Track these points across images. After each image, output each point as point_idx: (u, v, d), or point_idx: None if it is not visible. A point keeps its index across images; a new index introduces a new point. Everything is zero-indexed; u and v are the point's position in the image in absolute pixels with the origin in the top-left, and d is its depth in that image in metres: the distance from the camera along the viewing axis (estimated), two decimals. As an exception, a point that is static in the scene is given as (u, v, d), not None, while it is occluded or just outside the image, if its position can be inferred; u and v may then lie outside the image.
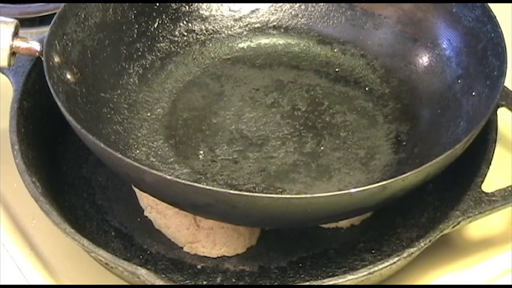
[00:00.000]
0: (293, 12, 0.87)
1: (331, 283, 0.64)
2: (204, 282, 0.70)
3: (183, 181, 0.61)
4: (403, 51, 0.82)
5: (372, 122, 0.78)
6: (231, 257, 0.72)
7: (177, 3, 0.84)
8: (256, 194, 0.65)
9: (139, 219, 0.75)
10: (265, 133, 0.77)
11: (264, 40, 0.86)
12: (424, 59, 0.81)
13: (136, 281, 0.64)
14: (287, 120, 0.78)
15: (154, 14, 0.83)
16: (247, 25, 0.86)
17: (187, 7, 0.85)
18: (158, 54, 0.82)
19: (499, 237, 0.75)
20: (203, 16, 0.85)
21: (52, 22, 0.73)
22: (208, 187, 0.62)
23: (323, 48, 0.85)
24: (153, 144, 0.76)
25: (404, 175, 0.62)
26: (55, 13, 0.75)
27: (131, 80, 0.79)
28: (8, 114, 0.74)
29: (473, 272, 0.73)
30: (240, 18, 0.86)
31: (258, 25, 0.86)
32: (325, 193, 0.62)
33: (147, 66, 0.81)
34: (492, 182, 0.73)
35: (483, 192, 0.70)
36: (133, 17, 0.81)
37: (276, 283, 0.70)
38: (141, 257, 0.72)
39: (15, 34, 0.73)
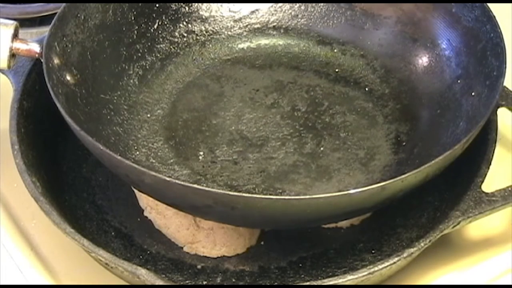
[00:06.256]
0: (293, 13, 0.87)
1: (331, 283, 0.64)
2: (204, 282, 0.70)
3: (182, 183, 0.61)
4: (403, 51, 0.82)
5: (372, 122, 0.78)
6: (231, 257, 0.72)
7: (177, 4, 0.84)
8: (255, 196, 0.65)
9: (139, 219, 0.75)
10: (265, 133, 0.77)
11: (264, 41, 0.86)
12: (423, 59, 0.81)
13: (136, 281, 0.64)
14: (287, 121, 0.78)
15: (154, 15, 0.83)
16: (247, 25, 0.86)
17: (187, 8, 0.85)
18: (158, 55, 0.82)
19: (499, 237, 0.75)
20: (203, 17, 0.85)
21: (51, 24, 0.73)
22: (207, 189, 0.62)
23: (323, 48, 0.85)
24: (153, 145, 0.76)
25: (403, 176, 0.63)
26: (55, 13, 0.75)
27: (131, 81, 0.79)
28: (8, 114, 0.74)
29: (473, 272, 0.73)
30: (240, 18, 0.86)
31: (258, 25, 0.86)
32: (324, 194, 0.62)
33: (147, 67, 0.81)
34: (492, 182, 0.73)
35: (483, 192, 0.70)
36: (133, 18, 0.81)
37: (276, 283, 0.70)
38: (141, 257, 0.72)
39: (15, 36, 0.73)
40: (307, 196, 0.64)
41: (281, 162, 0.74)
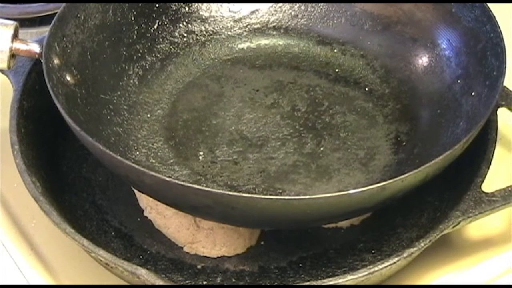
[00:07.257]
0: (292, 13, 0.87)
1: (331, 283, 0.64)
2: (204, 282, 0.70)
3: (181, 183, 0.61)
4: (403, 51, 0.82)
5: (372, 122, 0.78)
6: (231, 257, 0.72)
7: (177, 4, 0.84)
8: (255, 196, 0.65)
9: (139, 219, 0.75)
10: (265, 134, 0.77)
11: (264, 41, 0.86)
12: (423, 59, 0.81)
13: (136, 281, 0.64)
14: (287, 121, 0.78)
15: (154, 15, 0.83)
16: (247, 26, 0.86)
17: (186, 8, 0.85)
18: (158, 55, 0.82)
19: (499, 237, 0.75)
20: (203, 17, 0.85)
21: (51, 24, 0.73)
22: (207, 189, 0.62)
23: (323, 48, 0.85)
24: (153, 146, 0.76)
25: (403, 176, 0.63)
26: (55, 13, 0.75)
27: (131, 81, 0.79)
28: (8, 114, 0.74)
29: (473, 272, 0.73)
30: (240, 19, 0.86)
31: (258, 25, 0.86)
32: (324, 194, 0.62)
33: (147, 67, 0.81)
34: (492, 182, 0.73)
35: (483, 192, 0.70)
36: (133, 18, 0.81)
37: (276, 283, 0.70)
38: (141, 257, 0.72)
39: (15, 36, 0.73)
40: (307, 196, 0.64)
41: (281, 162, 0.74)
